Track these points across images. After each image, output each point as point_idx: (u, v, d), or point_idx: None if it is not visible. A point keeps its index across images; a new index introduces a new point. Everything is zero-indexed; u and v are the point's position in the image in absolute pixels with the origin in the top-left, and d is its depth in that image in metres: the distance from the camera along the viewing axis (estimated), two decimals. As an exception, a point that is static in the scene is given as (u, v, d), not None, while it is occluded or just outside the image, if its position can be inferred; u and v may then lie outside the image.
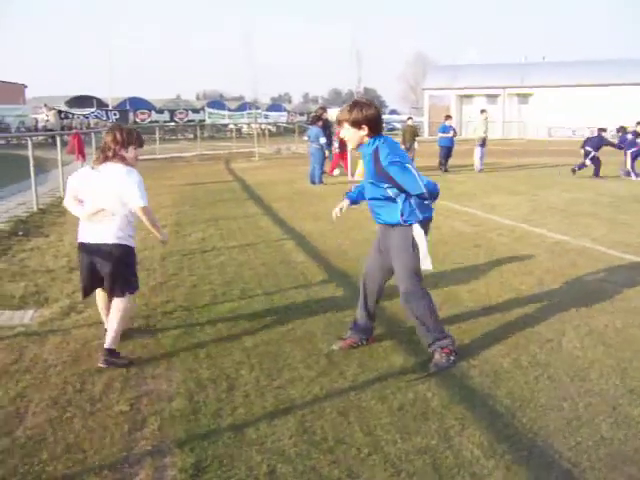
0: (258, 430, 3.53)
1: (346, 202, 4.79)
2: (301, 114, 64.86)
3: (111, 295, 4.58)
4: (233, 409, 3.79)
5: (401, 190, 4.25)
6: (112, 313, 4.54)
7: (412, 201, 4.29)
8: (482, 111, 21.08)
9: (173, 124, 50.98)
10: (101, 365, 4.39)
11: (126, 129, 4.69)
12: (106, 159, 4.47)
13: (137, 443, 3.42)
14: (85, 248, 4.54)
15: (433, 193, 4.40)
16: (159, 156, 28.34)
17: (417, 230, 4.32)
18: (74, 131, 19.25)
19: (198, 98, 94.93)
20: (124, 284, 4.55)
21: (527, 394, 3.98)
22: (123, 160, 4.48)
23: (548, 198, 13.49)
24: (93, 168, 4.52)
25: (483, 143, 20.17)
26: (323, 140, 16.50)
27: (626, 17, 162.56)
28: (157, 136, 33.93)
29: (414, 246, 4.32)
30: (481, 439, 3.42)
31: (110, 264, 4.45)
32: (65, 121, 43.74)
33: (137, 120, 49.27)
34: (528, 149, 36.15)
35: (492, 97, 58.07)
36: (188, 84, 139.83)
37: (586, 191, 14.61)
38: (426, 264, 4.39)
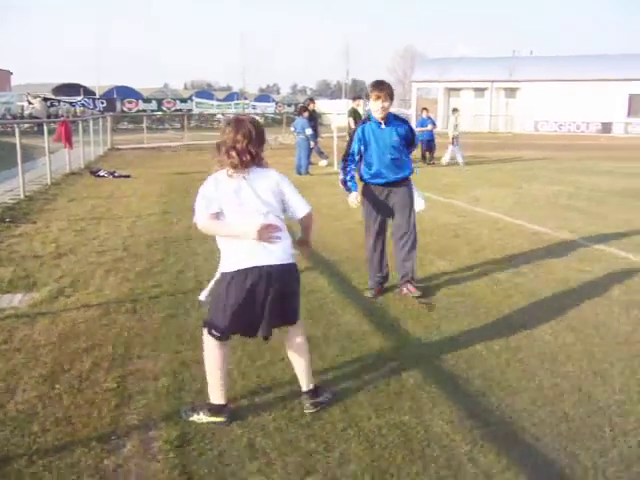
0: (240, 407, 3.71)
1: (355, 193, 5.80)
2: (289, 105, 64.77)
3: (289, 323, 3.74)
4: (216, 387, 3.95)
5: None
6: (299, 351, 3.77)
7: None
8: (454, 110, 21.19)
9: (161, 113, 50.84)
10: (312, 410, 3.67)
11: (258, 124, 3.66)
12: (248, 164, 3.48)
13: (124, 417, 3.58)
14: (258, 273, 3.42)
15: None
16: (147, 145, 28.31)
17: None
18: (62, 119, 19.23)
19: (186, 88, 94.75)
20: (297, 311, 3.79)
21: (497, 376, 4.18)
22: (265, 162, 3.64)
23: (531, 191, 13.73)
24: (231, 176, 3.48)
25: (455, 141, 20.23)
26: (309, 131, 16.64)
27: (612, 13, 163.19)
28: (145, 125, 33.90)
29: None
30: (451, 416, 3.62)
31: (292, 289, 3.64)
32: (52, 109, 43.57)
33: (124, 109, 49.07)
34: (514, 142, 36.48)
35: (480, 91, 58.40)
36: (176, 73, 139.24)
37: (567, 184, 14.87)
38: (420, 205, 5.91)
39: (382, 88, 5.52)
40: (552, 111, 52.78)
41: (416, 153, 20.81)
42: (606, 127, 51.44)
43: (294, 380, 4.03)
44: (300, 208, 3.64)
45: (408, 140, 5.78)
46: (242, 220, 3.44)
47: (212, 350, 3.57)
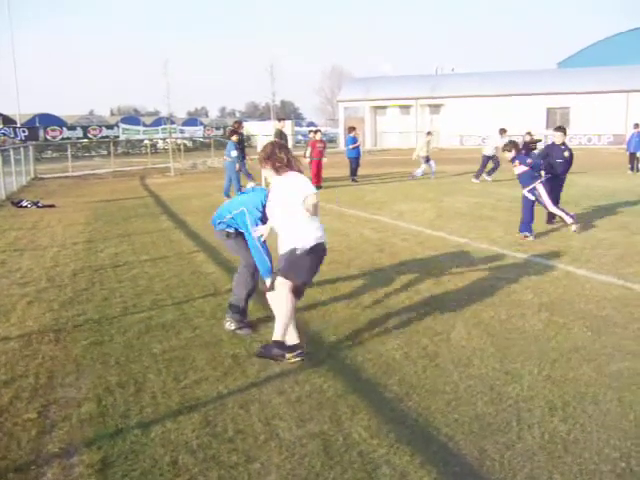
0: (164, 427, 3.76)
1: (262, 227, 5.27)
2: (217, 128, 64.72)
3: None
4: (140, 409, 3.99)
5: None
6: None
7: None
8: (428, 133, 21.89)
9: (86, 141, 49.92)
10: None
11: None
12: (286, 169, 4.82)
13: (45, 446, 3.57)
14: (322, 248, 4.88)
15: None
16: (72, 174, 27.73)
17: None
18: (-20, 150, 18.72)
19: (112, 114, 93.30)
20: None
21: (415, 382, 4.36)
22: (299, 168, 4.96)
23: (454, 204, 14.16)
24: (273, 181, 4.92)
25: (427, 158, 20.93)
26: (234, 154, 16.68)
27: (526, 31, 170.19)
28: (69, 153, 33.17)
29: None
30: (369, 422, 3.76)
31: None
32: (-31, 140, 42.15)
33: (48, 137, 47.98)
34: (440, 157, 37.34)
35: (405, 108, 59.71)
36: (102, 99, 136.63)
37: (489, 196, 15.43)
38: None
39: None
40: (475, 126, 54.35)
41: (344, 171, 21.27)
42: (526, 139, 53.47)
43: (218, 398, 4.14)
44: (307, 199, 4.65)
45: None
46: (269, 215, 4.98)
47: None
